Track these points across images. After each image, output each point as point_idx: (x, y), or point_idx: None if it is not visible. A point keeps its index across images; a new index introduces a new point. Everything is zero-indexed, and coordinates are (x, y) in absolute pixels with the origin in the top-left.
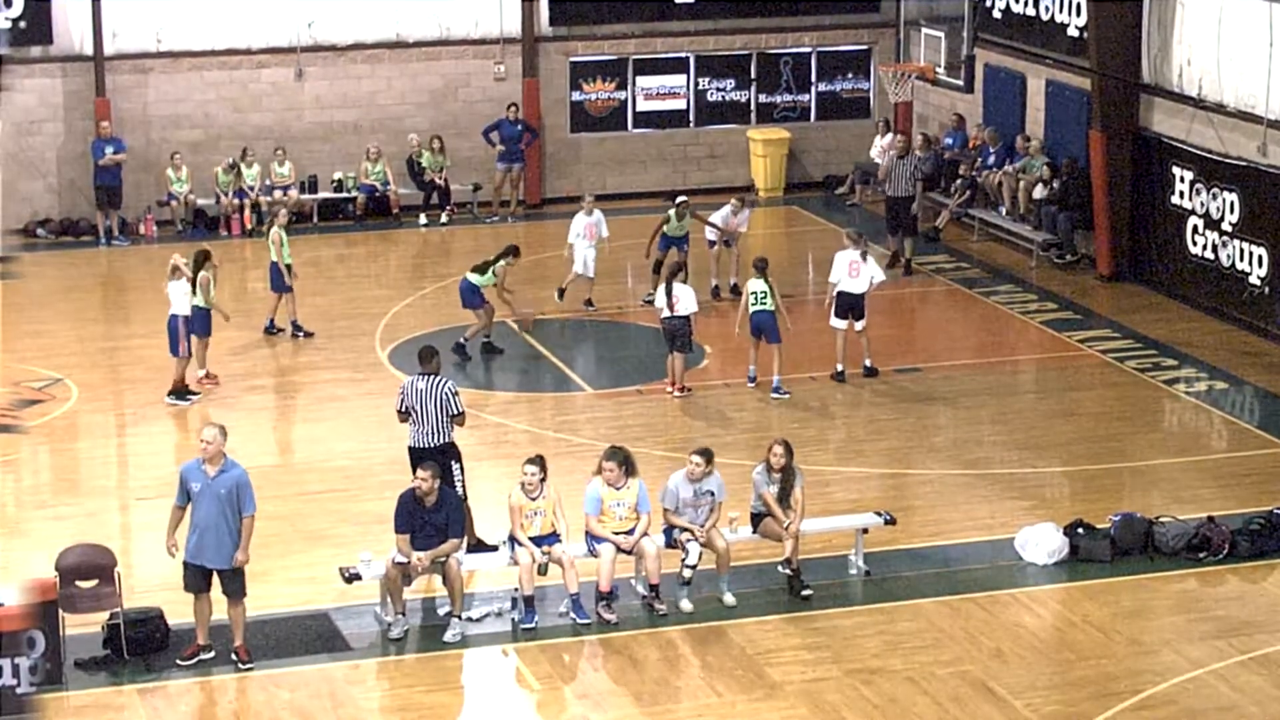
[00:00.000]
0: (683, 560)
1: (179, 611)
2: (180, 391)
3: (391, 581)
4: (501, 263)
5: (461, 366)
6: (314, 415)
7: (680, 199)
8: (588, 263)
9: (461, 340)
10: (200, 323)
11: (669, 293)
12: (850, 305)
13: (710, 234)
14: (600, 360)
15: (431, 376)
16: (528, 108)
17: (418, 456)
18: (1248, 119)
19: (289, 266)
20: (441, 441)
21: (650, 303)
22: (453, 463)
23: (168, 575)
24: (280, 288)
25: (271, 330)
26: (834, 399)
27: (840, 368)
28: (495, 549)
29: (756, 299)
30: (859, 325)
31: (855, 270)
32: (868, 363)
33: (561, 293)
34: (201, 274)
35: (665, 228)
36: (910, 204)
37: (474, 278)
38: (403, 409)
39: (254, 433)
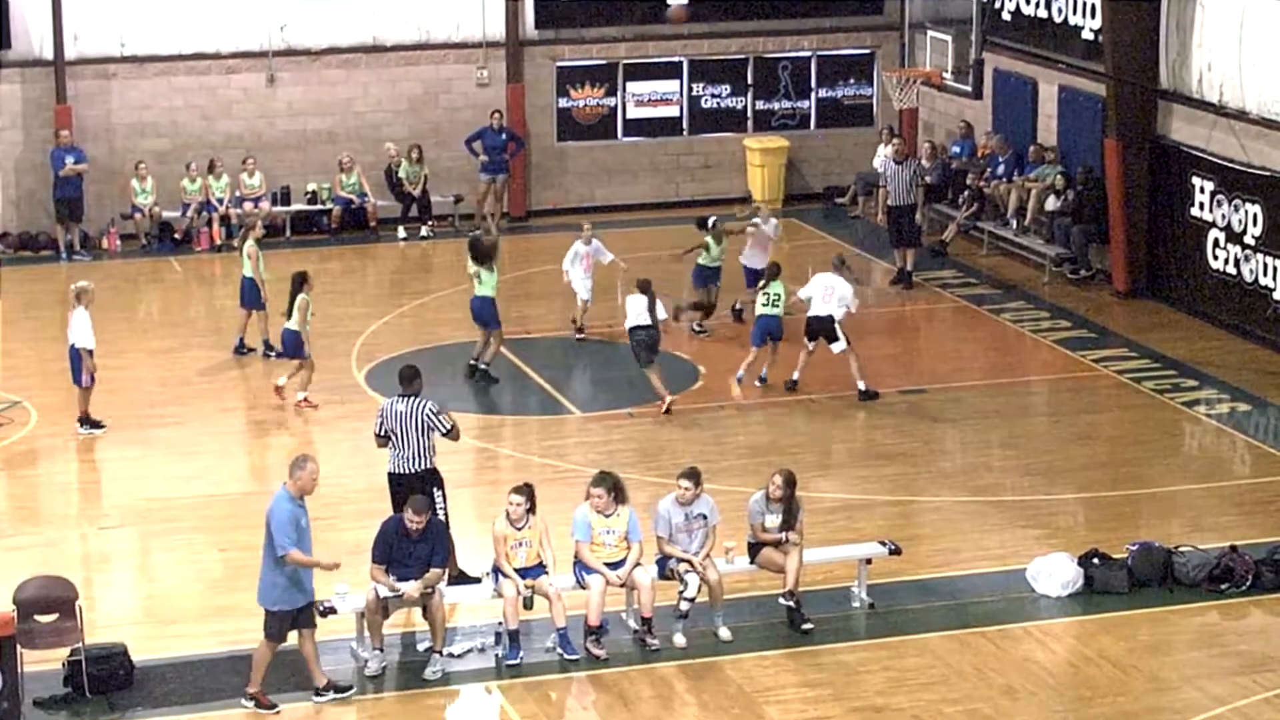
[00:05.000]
0: (680, 592)
1: (143, 648)
2: (89, 420)
3: (370, 615)
4: (484, 267)
5: (486, 390)
6: (287, 440)
7: (712, 220)
8: (587, 289)
9: (477, 363)
10: (293, 345)
11: (651, 306)
12: (819, 328)
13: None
14: (589, 382)
15: (412, 398)
16: (512, 115)
17: (398, 483)
18: (1271, 126)
19: (264, 282)
20: (423, 467)
21: (700, 332)
22: (435, 490)
23: (132, 609)
24: (252, 304)
25: (241, 350)
26: (836, 423)
27: (795, 377)
28: (478, 581)
29: (770, 301)
30: (834, 348)
31: (829, 296)
32: (862, 385)
33: (581, 329)
34: (300, 296)
35: (702, 259)
36: (912, 213)
37: (483, 291)
38: (381, 433)
39: (224, 458)
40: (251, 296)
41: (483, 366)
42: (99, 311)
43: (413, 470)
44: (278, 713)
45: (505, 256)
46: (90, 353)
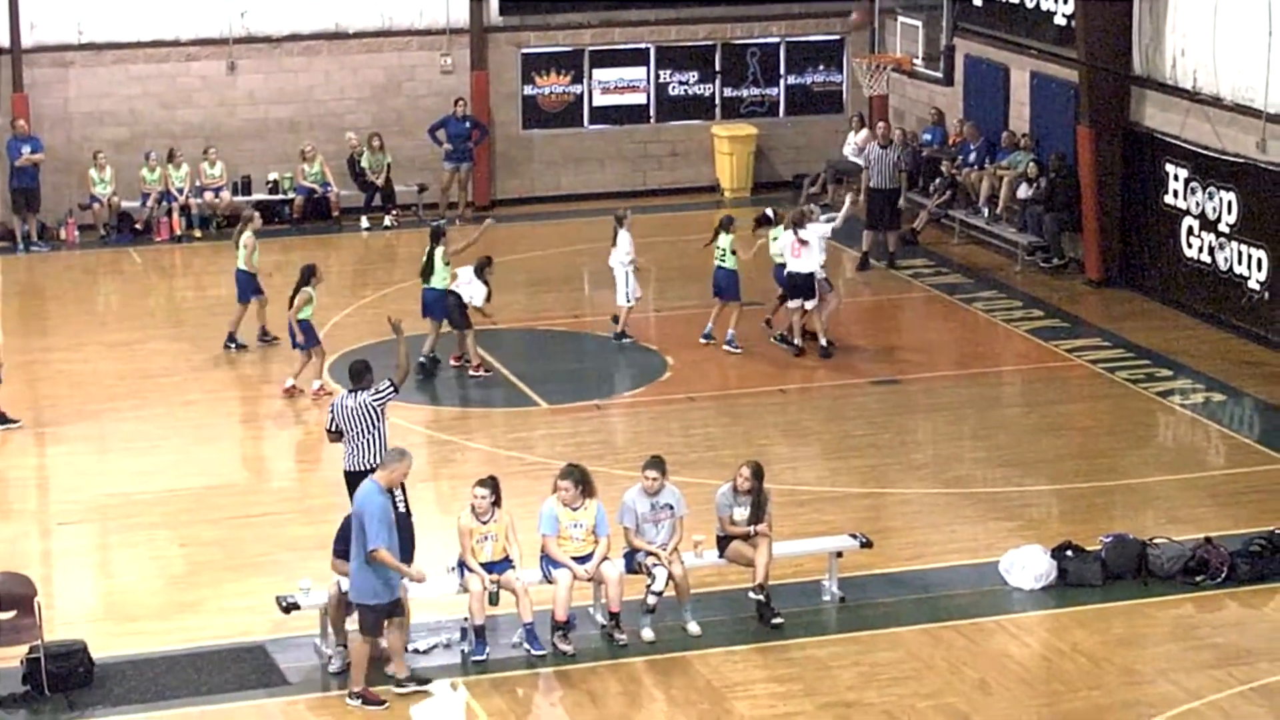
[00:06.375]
0: (648, 586)
1: (103, 645)
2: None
3: (333, 611)
4: (439, 250)
5: (429, 382)
6: (248, 433)
7: (771, 211)
8: (636, 287)
9: (426, 358)
10: (307, 335)
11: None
12: (797, 286)
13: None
14: (555, 373)
15: (361, 393)
16: (476, 103)
17: (354, 480)
18: (1245, 113)
19: (258, 272)
20: (374, 463)
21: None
22: None
23: (92, 606)
24: (254, 292)
25: (232, 344)
26: (805, 414)
27: (799, 342)
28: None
29: (722, 255)
30: (809, 304)
31: (798, 250)
32: (823, 340)
33: (621, 334)
34: (304, 289)
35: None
36: (895, 196)
37: (436, 282)
38: (333, 429)
39: (185, 452)
40: (250, 287)
41: (431, 357)
42: (56, 304)
43: (367, 466)
44: (386, 707)
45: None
46: None
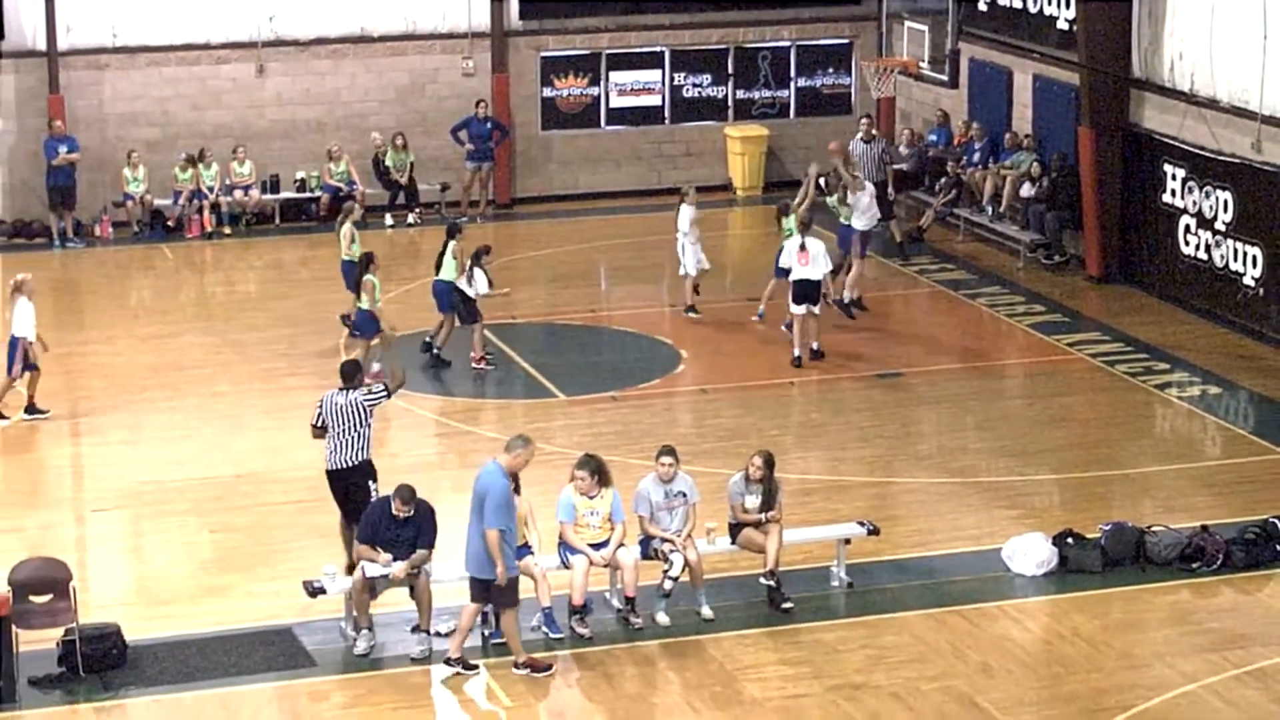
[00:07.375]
0: (664, 571)
1: (136, 628)
2: (34, 408)
3: (357, 595)
4: (451, 244)
5: (438, 374)
6: (277, 423)
7: (785, 204)
8: (701, 257)
9: (432, 343)
10: (365, 324)
11: (470, 273)
12: (806, 292)
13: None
14: (573, 365)
15: (350, 392)
16: (497, 104)
17: (335, 479)
18: (1241, 115)
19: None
20: (357, 460)
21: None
22: (370, 483)
23: (125, 590)
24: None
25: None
26: (814, 405)
27: (798, 353)
28: None
29: (789, 234)
30: (816, 310)
31: (805, 258)
32: (815, 345)
33: (691, 308)
34: (366, 278)
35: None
36: (879, 190)
37: (445, 275)
38: (319, 424)
39: (214, 441)
40: (355, 276)
41: (436, 350)
42: (91, 298)
43: (346, 465)
44: (553, 672)
45: (492, 244)
46: (29, 343)
